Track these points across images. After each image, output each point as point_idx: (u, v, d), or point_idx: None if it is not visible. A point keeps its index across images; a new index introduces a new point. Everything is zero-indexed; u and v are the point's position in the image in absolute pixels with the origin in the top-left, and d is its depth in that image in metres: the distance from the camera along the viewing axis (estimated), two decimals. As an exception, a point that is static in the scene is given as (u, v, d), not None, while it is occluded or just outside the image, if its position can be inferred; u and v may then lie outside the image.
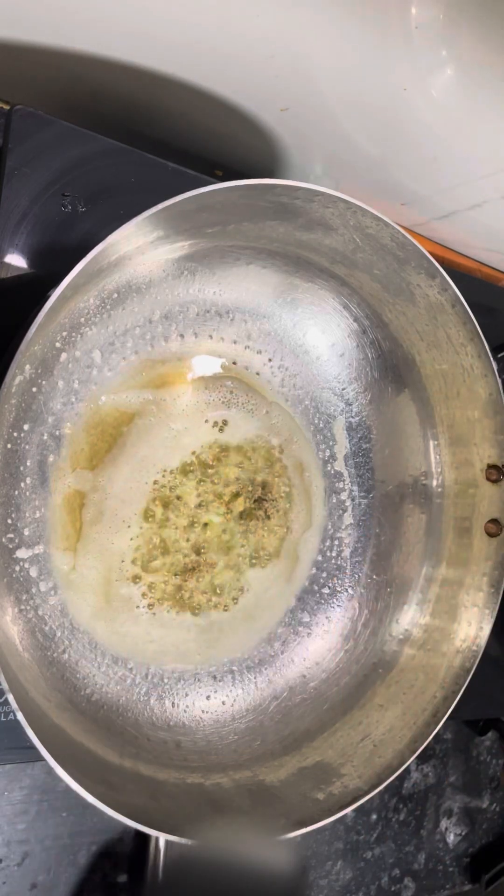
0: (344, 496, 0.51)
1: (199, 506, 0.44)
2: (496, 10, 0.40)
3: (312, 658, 0.49)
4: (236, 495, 0.46)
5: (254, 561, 0.46)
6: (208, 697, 0.45)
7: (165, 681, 0.43)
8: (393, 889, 0.61)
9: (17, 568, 0.38)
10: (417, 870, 0.62)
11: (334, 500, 0.50)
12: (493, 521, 0.45)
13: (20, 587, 0.38)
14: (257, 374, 0.47)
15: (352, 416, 0.50)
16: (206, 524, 0.45)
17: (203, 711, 0.44)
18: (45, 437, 0.39)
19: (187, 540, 0.44)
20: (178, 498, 0.44)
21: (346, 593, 0.50)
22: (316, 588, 0.49)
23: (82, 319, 0.39)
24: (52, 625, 0.39)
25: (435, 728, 0.41)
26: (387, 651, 0.48)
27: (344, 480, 0.51)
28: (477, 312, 0.41)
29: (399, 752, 0.41)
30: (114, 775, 0.35)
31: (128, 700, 0.42)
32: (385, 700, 0.45)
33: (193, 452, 0.44)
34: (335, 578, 0.50)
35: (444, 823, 0.65)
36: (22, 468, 0.38)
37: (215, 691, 0.45)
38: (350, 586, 0.50)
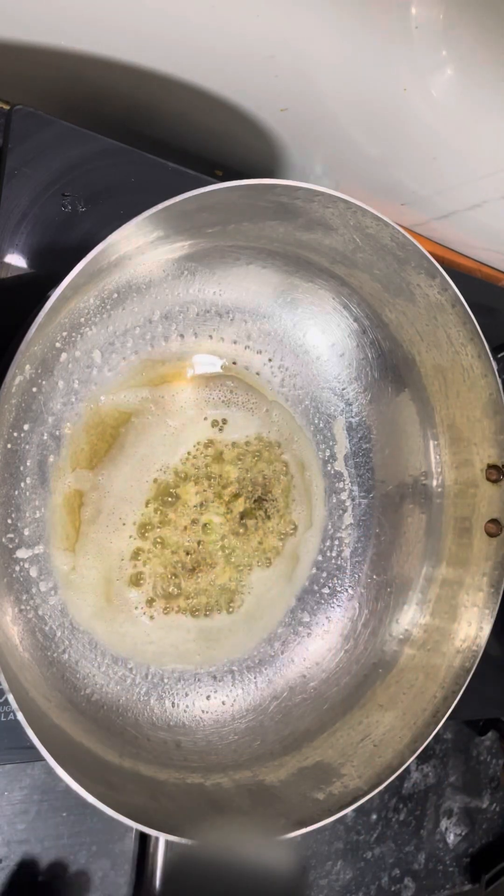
0: (344, 496, 0.51)
1: (199, 505, 0.44)
2: (496, 10, 0.40)
3: (312, 658, 0.49)
4: (236, 495, 0.46)
5: (254, 561, 0.46)
6: (208, 697, 0.45)
7: (165, 681, 0.43)
8: (393, 889, 0.61)
9: (17, 568, 0.38)
10: (417, 870, 0.62)
11: (334, 500, 0.50)
12: (493, 521, 0.45)
13: (20, 587, 0.38)
14: (257, 373, 0.47)
15: (352, 416, 0.50)
16: (206, 524, 0.45)
17: (203, 711, 0.44)
18: (45, 437, 0.39)
19: (187, 540, 0.44)
20: (178, 497, 0.43)
21: (346, 593, 0.50)
22: (316, 588, 0.49)
23: (82, 319, 0.39)
24: (52, 625, 0.39)
25: (435, 728, 0.41)
26: (387, 651, 0.48)
27: (344, 480, 0.51)
28: (477, 312, 0.41)
29: (399, 752, 0.41)
30: (114, 775, 0.35)
31: (128, 700, 0.42)
32: (385, 700, 0.45)
33: (192, 452, 0.44)
34: (335, 578, 0.50)
35: (444, 823, 0.65)
36: (22, 468, 0.38)
37: (215, 691, 0.45)
38: (350, 586, 0.50)
